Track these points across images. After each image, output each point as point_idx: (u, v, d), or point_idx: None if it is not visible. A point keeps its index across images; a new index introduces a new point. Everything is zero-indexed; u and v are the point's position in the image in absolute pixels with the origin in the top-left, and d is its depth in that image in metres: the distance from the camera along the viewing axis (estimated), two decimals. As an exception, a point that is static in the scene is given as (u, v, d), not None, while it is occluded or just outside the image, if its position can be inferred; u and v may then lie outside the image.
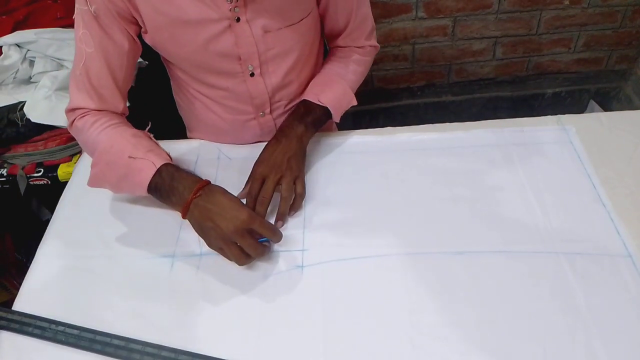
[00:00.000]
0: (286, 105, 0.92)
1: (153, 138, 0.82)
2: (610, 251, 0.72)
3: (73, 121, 0.81)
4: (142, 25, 0.77)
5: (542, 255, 0.73)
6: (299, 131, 0.84)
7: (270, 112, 0.91)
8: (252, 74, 0.83)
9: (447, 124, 0.94)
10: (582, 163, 0.85)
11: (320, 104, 0.87)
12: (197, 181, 0.73)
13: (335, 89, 0.89)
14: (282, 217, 0.79)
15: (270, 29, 0.79)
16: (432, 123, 0.94)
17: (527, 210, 0.79)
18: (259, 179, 0.79)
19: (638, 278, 0.69)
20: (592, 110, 1.93)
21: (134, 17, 0.76)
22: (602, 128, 0.91)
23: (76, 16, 0.76)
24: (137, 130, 0.81)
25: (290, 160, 0.81)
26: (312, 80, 0.91)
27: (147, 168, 0.74)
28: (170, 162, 0.76)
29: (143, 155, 0.75)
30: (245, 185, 0.82)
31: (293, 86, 0.90)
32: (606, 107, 1.95)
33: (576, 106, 1.97)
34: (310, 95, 0.88)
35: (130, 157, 0.75)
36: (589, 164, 0.84)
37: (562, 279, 0.70)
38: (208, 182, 0.74)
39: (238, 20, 0.76)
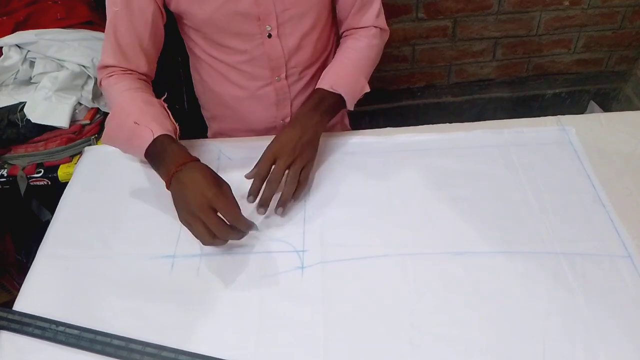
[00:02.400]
0: (301, 72, 0.95)
1: (165, 107, 0.85)
2: (610, 251, 0.73)
3: (101, 80, 0.88)
4: None
5: (542, 255, 0.73)
6: (314, 120, 0.85)
7: (286, 77, 0.94)
8: (269, 35, 0.87)
9: (447, 124, 0.94)
10: (582, 164, 0.85)
11: (334, 91, 0.88)
12: (184, 157, 0.75)
13: (348, 77, 0.92)
14: (283, 204, 0.79)
15: None
16: (432, 124, 0.94)
17: (527, 210, 0.79)
18: (270, 160, 0.80)
19: (638, 278, 0.69)
20: (592, 111, 1.93)
21: None
22: (602, 129, 0.91)
23: None
24: (152, 97, 0.86)
25: (304, 146, 0.81)
26: (325, 69, 0.94)
27: (146, 135, 0.78)
28: (170, 133, 0.79)
29: (147, 122, 0.79)
30: (256, 165, 0.81)
31: (307, 51, 0.93)
32: (606, 107, 1.95)
33: (576, 107, 1.97)
34: (323, 84, 0.89)
35: (135, 122, 0.79)
36: (588, 164, 0.84)
37: (561, 279, 0.70)
38: (194, 160, 0.75)
39: None
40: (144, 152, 0.78)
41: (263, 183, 0.79)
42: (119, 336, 0.66)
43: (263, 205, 0.79)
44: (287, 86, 0.96)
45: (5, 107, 1.12)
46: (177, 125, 0.84)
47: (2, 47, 1.17)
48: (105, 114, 1.20)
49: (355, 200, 0.82)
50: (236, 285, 0.72)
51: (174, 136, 0.80)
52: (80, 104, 1.16)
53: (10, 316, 0.69)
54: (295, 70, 0.95)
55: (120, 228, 0.81)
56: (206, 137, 1.05)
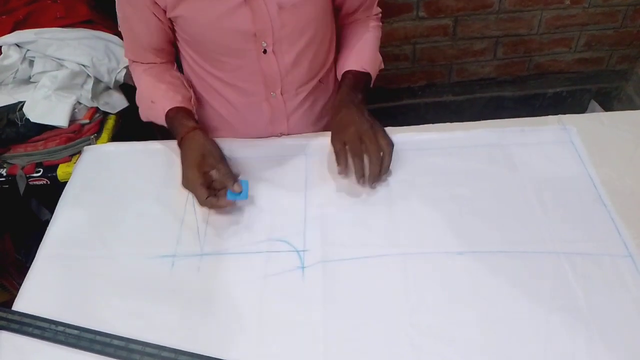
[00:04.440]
0: (297, 88, 0.94)
1: (177, 76, 0.93)
2: (610, 251, 0.72)
3: (129, 65, 0.97)
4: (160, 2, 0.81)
5: (543, 255, 0.73)
6: (358, 98, 0.86)
7: (282, 93, 0.93)
8: (264, 51, 0.85)
9: (448, 123, 0.93)
10: (583, 163, 0.85)
11: (364, 70, 0.90)
12: (183, 129, 0.84)
13: (371, 55, 0.94)
14: (375, 179, 0.81)
15: (285, 5, 0.80)
16: (433, 123, 0.94)
17: (528, 210, 0.78)
18: (357, 139, 0.80)
19: (638, 278, 0.69)
20: (593, 110, 1.93)
21: None
22: (603, 128, 0.91)
23: None
24: (163, 74, 0.92)
25: (369, 118, 0.82)
26: (343, 51, 0.95)
27: (160, 113, 0.88)
28: (179, 104, 0.87)
29: (159, 99, 0.89)
30: (339, 154, 0.82)
31: (304, 68, 0.91)
32: (607, 107, 1.95)
33: (577, 106, 1.96)
34: (352, 65, 0.91)
35: (152, 101, 0.90)
36: (589, 163, 0.84)
37: (562, 278, 0.70)
38: (190, 131, 0.83)
39: None
40: (166, 125, 0.88)
41: (361, 160, 0.80)
42: (119, 336, 0.66)
43: (375, 182, 0.82)
44: (282, 102, 0.94)
45: (4, 106, 1.12)
46: (190, 90, 0.93)
47: (1, 46, 1.17)
48: (105, 113, 1.20)
49: (355, 200, 0.82)
50: (236, 285, 0.72)
51: (185, 104, 0.89)
52: (79, 103, 1.16)
53: (9, 316, 0.69)
54: (292, 87, 0.93)
55: (120, 228, 0.80)
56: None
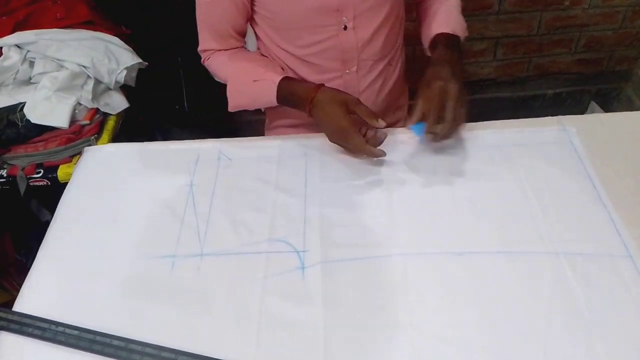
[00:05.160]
0: (372, 65, 0.95)
1: (263, 55, 0.96)
2: (610, 251, 0.72)
3: (204, 61, 0.98)
4: None
5: (543, 255, 0.73)
6: (454, 57, 0.87)
7: (357, 70, 0.94)
8: (345, 27, 0.87)
9: (448, 124, 0.93)
10: (583, 164, 0.85)
11: (454, 33, 0.91)
12: (310, 89, 0.85)
13: (456, 18, 0.95)
14: (438, 139, 0.83)
15: None
16: (432, 123, 0.94)
17: (527, 210, 0.78)
18: (438, 95, 0.81)
19: (638, 278, 0.69)
20: (593, 111, 1.93)
21: None
22: (603, 129, 0.91)
23: None
24: (250, 53, 0.96)
25: (459, 79, 0.83)
26: (428, 18, 0.96)
27: (269, 87, 0.88)
28: (284, 74, 0.89)
29: (263, 75, 0.89)
30: (415, 107, 0.83)
31: (378, 44, 0.93)
32: (607, 108, 1.95)
33: (577, 107, 1.96)
34: (442, 28, 0.92)
35: (254, 81, 0.90)
36: (589, 164, 0.84)
37: (562, 279, 0.70)
38: (319, 88, 0.84)
39: None
40: (275, 101, 0.89)
41: (435, 119, 0.81)
42: (119, 337, 0.66)
43: (445, 138, 0.84)
44: (356, 79, 0.96)
45: (4, 107, 1.12)
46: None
47: (1, 47, 1.17)
48: (105, 114, 1.20)
49: (355, 200, 0.82)
50: (236, 285, 0.72)
51: (287, 75, 0.90)
52: (80, 104, 1.16)
53: (9, 317, 0.69)
54: (367, 63, 0.95)
55: (120, 228, 0.80)
56: (206, 137, 1.04)
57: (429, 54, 0.95)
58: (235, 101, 0.95)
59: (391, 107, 1.08)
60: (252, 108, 0.96)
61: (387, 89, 1.02)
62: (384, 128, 0.82)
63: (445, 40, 0.90)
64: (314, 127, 0.96)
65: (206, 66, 0.99)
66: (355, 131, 0.81)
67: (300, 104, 0.86)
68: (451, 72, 0.83)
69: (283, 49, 0.93)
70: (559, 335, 0.64)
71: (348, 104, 0.82)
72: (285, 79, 0.88)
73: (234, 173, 0.88)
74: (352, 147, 0.83)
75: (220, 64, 0.96)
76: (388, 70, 1.00)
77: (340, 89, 0.94)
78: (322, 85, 0.86)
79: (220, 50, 0.95)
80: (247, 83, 0.91)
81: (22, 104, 1.12)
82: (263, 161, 0.89)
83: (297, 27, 0.88)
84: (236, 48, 0.96)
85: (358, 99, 0.84)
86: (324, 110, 0.83)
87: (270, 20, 0.90)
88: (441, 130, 0.81)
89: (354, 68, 0.94)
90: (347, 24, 0.87)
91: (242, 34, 0.96)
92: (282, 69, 0.93)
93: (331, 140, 0.85)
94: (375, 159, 0.87)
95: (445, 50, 0.88)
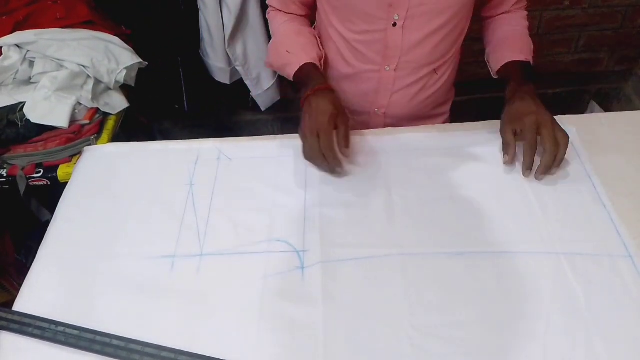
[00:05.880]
0: (414, 68, 0.96)
1: (315, 35, 0.99)
2: (610, 251, 0.72)
3: (269, 12, 1.03)
4: None
5: (543, 255, 0.73)
6: (531, 89, 0.86)
7: (395, 69, 0.95)
8: (394, 24, 0.87)
9: (447, 124, 0.94)
10: (583, 163, 0.85)
11: (527, 60, 0.92)
12: (320, 84, 0.87)
13: (528, 43, 0.96)
14: (546, 171, 0.81)
15: None
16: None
17: (527, 210, 0.78)
18: (534, 129, 0.80)
19: (638, 278, 0.69)
20: (593, 111, 1.93)
21: None
22: (603, 129, 0.91)
23: None
24: (304, 28, 0.99)
25: (545, 112, 0.82)
26: (498, 42, 0.97)
27: (295, 63, 0.92)
28: (315, 61, 0.92)
29: (296, 51, 0.94)
30: (509, 144, 0.83)
31: (427, 50, 0.93)
32: (606, 107, 1.95)
33: (576, 107, 1.96)
34: (514, 54, 0.92)
35: (287, 51, 0.95)
36: (589, 164, 0.84)
37: (562, 279, 0.70)
38: (327, 88, 0.86)
39: None
40: (293, 77, 0.93)
41: (532, 150, 0.80)
42: (119, 336, 0.66)
43: (545, 174, 0.82)
44: (393, 78, 0.96)
45: (4, 107, 1.12)
46: (323, 51, 0.98)
47: (1, 47, 1.17)
48: (105, 114, 1.20)
49: (355, 200, 0.82)
50: (236, 285, 0.72)
51: (318, 63, 0.93)
52: (79, 103, 1.15)
53: (10, 316, 0.69)
54: (409, 65, 0.95)
55: (120, 228, 0.80)
56: (206, 137, 1.05)
57: (495, 76, 0.97)
58: (270, 59, 1.01)
59: (427, 115, 1.07)
60: (279, 72, 1.03)
61: (425, 96, 1.02)
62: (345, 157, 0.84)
63: (521, 69, 0.91)
64: (348, 112, 0.98)
65: (268, 17, 1.04)
66: (331, 132, 0.82)
67: (306, 87, 0.88)
68: (536, 103, 0.83)
69: (335, 28, 0.95)
70: (558, 335, 0.64)
71: (339, 115, 0.83)
72: (310, 64, 0.92)
73: (234, 173, 0.88)
74: (322, 144, 0.81)
75: (275, 22, 1.01)
76: (431, 77, 0.99)
77: (374, 83, 0.98)
78: (332, 88, 0.88)
79: (281, 11, 1.00)
80: (283, 50, 0.96)
81: (22, 104, 1.11)
82: (263, 161, 0.89)
83: (352, 10, 0.90)
84: (297, 15, 1.00)
85: (348, 120, 0.85)
86: (317, 102, 0.84)
87: (327, 3, 0.93)
88: (546, 161, 0.80)
89: (394, 66, 0.94)
90: (397, 22, 0.87)
91: (306, 5, 0.99)
92: (320, 57, 0.96)
93: (303, 133, 0.84)
94: (373, 158, 0.87)
95: (521, 81, 0.88)
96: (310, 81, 0.88)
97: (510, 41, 0.96)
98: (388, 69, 0.95)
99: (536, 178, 0.82)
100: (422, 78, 0.98)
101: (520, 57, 0.92)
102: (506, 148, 0.84)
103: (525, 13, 1.01)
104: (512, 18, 0.99)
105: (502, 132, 0.85)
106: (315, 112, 0.83)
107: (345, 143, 0.83)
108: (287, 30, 0.98)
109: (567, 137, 0.80)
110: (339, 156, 0.84)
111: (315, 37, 0.99)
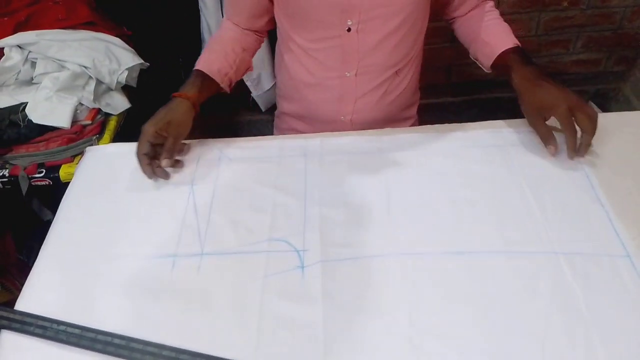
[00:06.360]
0: (375, 72, 0.95)
1: (239, 53, 0.98)
2: (609, 251, 0.73)
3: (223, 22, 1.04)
4: None
5: (541, 255, 0.73)
6: (541, 72, 0.86)
7: (356, 74, 0.94)
8: (349, 30, 0.87)
9: (447, 124, 0.94)
10: (581, 163, 0.85)
11: (517, 45, 0.92)
12: (184, 91, 0.88)
13: (509, 30, 0.95)
14: (587, 149, 0.82)
15: None
16: (432, 124, 0.95)
17: (526, 210, 0.79)
18: (569, 114, 0.80)
19: (637, 278, 0.69)
20: (592, 112, 1.93)
21: None
22: (601, 129, 0.91)
23: None
24: (228, 42, 0.98)
25: (567, 90, 0.82)
26: (479, 38, 0.96)
27: (197, 63, 0.93)
28: (207, 72, 0.92)
29: (205, 53, 0.96)
30: (547, 135, 0.83)
31: (385, 53, 0.92)
32: (605, 108, 1.96)
33: (575, 107, 1.96)
34: (503, 44, 0.92)
35: (204, 49, 0.98)
36: (587, 164, 0.85)
37: (561, 279, 0.70)
38: (183, 96, 0.87)
39: None
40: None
41: (576, 137, 0.80)
42: (120, 335, 0.66)
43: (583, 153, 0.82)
44: (354, 83, 0.96)
45: (6, 107, 1.13)
46: (236, 74, 0.98)
47: (3, 48, 1.18)
48: (107, 115, 1.21)
49: (355, 200, 0.82)
50: (236, 285, 0.72)
51: (212, 76, 0.93)
52: (81, 104, 1.16)
53: (11, 316, 0.69)
54: (369, 69, 0.94)
55: (121, 228, 0.81)
56: (206, 136, 1.05)
57: (489, 70, 0.96)
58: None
59: (394, 119, 1.07)
60: None
61: (389, 99, 1.02)
62: (164, 166, 0.85)
63: (519, 56, 0.91)
64: (315, 121, 0.99)
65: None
66: (148, 140, 0.82)
67: (180, 90, 0.90)
68: (557, 87, 0.83)
69: (294, 40, 0.94)
70: (557, 335, 0.64)
71: (172, 126, 0.84)
72: (200, 72, 0.93)
73: (234, 173, 0.88)
74: (137, 149, 0.83)
75: (223, 24, 1.02)
76: (394, 80, 0.99)
77: (337, 90, 0.96)
78: (191, 102, 0.88)
79: (229, 20, 1.00)
80: (204, 51, 0.98)
81: (24, 104, 1.12)
82: (263, 161, 0.90)
83: (306, 18, 0.89)
84: (244, 29, 0.99)
85: (181, 135, 0.86)
86: (164, 108, 0.86)
87: (283, 8, 0.92)
88: (585, 140, 0.81)
89: (354, 72, 0.94)
90: (351, 27, 0.87)
91: (258, 21, 0.99)
92: (221, 69, 0.95)
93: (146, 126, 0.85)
94: (372, 158, 0.87)
95: (527, 67, 0.88)
96: (185, 85, 0.91)
97: (493, 33, 0.95)
98: (349, 74, 0.95)
99: (581, 156, 0.83)
100: (384, 82, 0.98)
101: (511, 45, 0.92)
102: (546, 140, 0.83)
103: (492, 2, 1.00)
104: (484, 11, 0.98)
105: (534, 125, 0.84)
106: (155, 116, 0.84)
107: (165, 155, 0.83)
108: (220, 32, 1.00)
109: (595, 111, 0.81)
110: (159, 163, 0.84)
111: (238, 55, 0.98)
